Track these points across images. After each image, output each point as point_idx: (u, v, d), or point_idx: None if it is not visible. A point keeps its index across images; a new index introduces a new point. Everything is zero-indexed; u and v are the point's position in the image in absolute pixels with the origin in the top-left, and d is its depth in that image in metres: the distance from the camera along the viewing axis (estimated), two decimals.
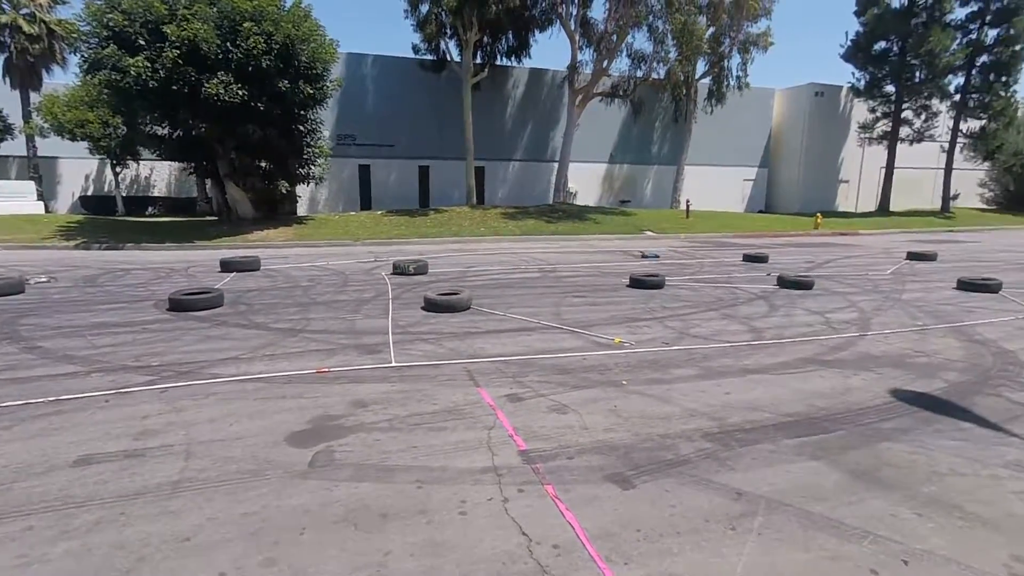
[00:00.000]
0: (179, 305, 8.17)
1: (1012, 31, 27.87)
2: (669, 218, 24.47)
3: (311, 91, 17.33)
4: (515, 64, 26.87)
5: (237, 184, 19.23)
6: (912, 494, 3.31)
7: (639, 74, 25.58)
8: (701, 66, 26.93)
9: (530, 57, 26.42)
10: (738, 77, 27.28)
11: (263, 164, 19.40)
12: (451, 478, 3.48)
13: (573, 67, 24.66)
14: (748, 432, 4.14)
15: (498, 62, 26.20)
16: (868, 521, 3.03)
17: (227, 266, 12.12)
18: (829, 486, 3.40)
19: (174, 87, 15.37)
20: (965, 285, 10.14)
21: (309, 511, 3.14)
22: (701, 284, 10.73)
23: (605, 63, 24.71)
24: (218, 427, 4.23)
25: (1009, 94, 28.95)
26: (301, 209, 24.51)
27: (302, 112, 18.52)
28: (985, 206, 35.55)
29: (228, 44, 15.54)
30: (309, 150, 19.55)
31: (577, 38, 24.41)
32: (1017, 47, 28.08)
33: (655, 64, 25.31)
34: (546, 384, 5.15)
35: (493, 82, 26.54)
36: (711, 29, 25.31)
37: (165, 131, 18.52)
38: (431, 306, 8.13)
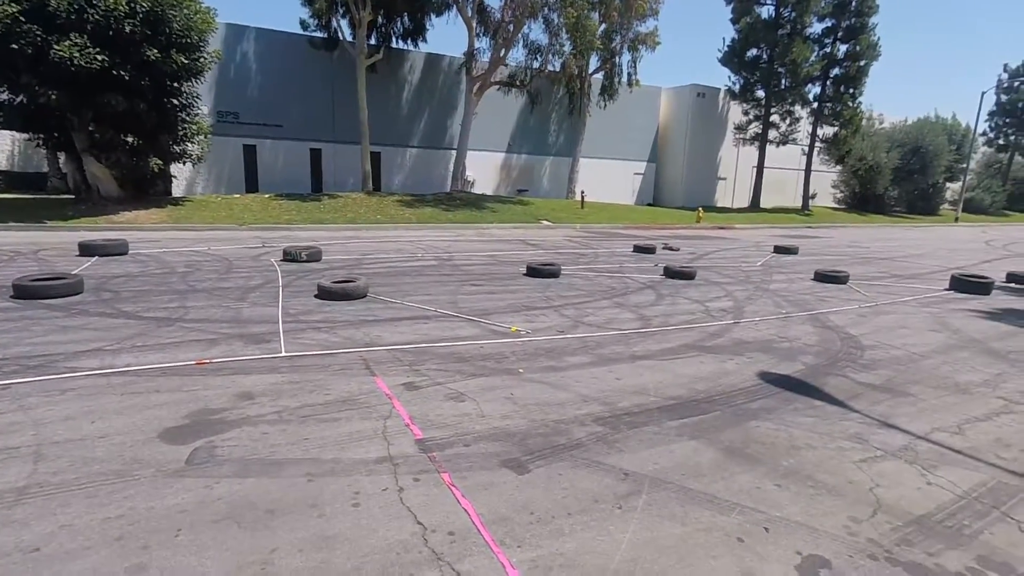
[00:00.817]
0: (26, 292, 7.12)
1: (858, 47, 31.73)
2: (565, 208, 25.24)
3: (185, 61, 15.73)
4: (411, 48, 26.17)
5: (99, 160, 17.03)
6: (774, 467, 3.68)
7: (535, 65, 25.96)
8: (594, 61, 27.89)
9: (426, 41, 25.88)
10: (629, 74, 28.59)
11: (130, 139, 17.33)
12: (344, 469, 3.35)
13: (470, 54, 24.50)
14: (636, 415, 4.38)
15: (394, 45, 25.38)
16: (737, 494, 3.33)
17: (88, 250, 10.74)
18: (705, 463, 3.69)
19: (13, 46, 13.24)
20: (820, 276, 11.46)
21: (185, 511, 2.89)
22: (595, 273, 11.19)
23: (502, 52, 24.81)
24: (76, 426, 3.75)
25: (856, 104, 32.95)
26: (178, 190, 22.27)
27: (175, 84, 16.76)
28: (837, 205, 40.36)
29: (83, 3, 13.64)
30: (185, 126, 17.76)
31: (474, 25, 24.25)
32: (862, 62, 32.01)
33: (551, 56, 25.83)
34: (443, 372, 5.11)
35: (389, 65, 25.69)
36: (603, 25, 26.24)
37: (4, 96, 15.93)
38: (325, 294, 7.76)
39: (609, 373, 5.32)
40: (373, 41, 24.11)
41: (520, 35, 24.96)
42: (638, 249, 14.99)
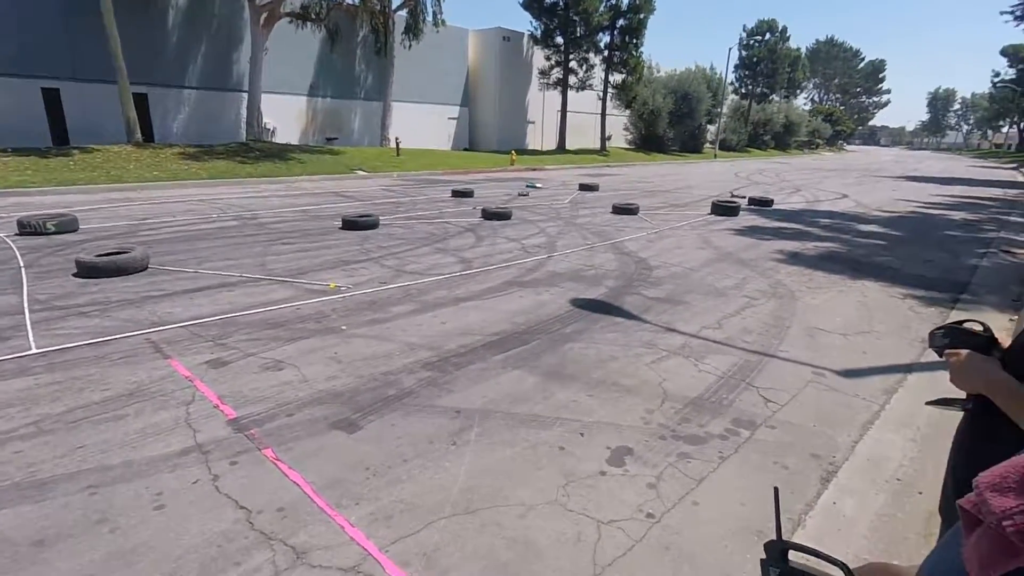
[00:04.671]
0: None
1: (638, 1, 34.75)
2: (380, 156, 24.20)
3: None
4: None
5: None
6: (587, 381, 4.11)
7: None
8: None
9: None
10: (433, 12, 27.69)
11: None
12: (139, 472, 2.92)
13: None
14: (463, 355, 4.51)
15: None
16: (557, 410, 3.66)
17: None
18: (529, 389, 3.97)
19: None
20: (617, 209, 12.77)
21: None
22: (414, 221, 11.03)
23: None
24: None
25: (638, 54, 36.40)
26: None
27: None
28: (628, 146, 44.88)
29: None
30: None
31: None
32: (642, 15, 35.24)
33: None
34: (256, 342, 4.67)
35: None
36: None
37: None
38: (88, 270, 6.46)
39: (434, 318, 5.36)
40: None
41: None
42: (456, 194, 15.08)
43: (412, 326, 5.15)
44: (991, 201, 18.01)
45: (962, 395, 1.31)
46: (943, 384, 3.92)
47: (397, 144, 25.68)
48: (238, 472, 2.93)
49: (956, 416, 1.36)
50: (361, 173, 20.73)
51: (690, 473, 3.01)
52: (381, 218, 10.44)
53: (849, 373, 4.32)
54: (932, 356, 4.60)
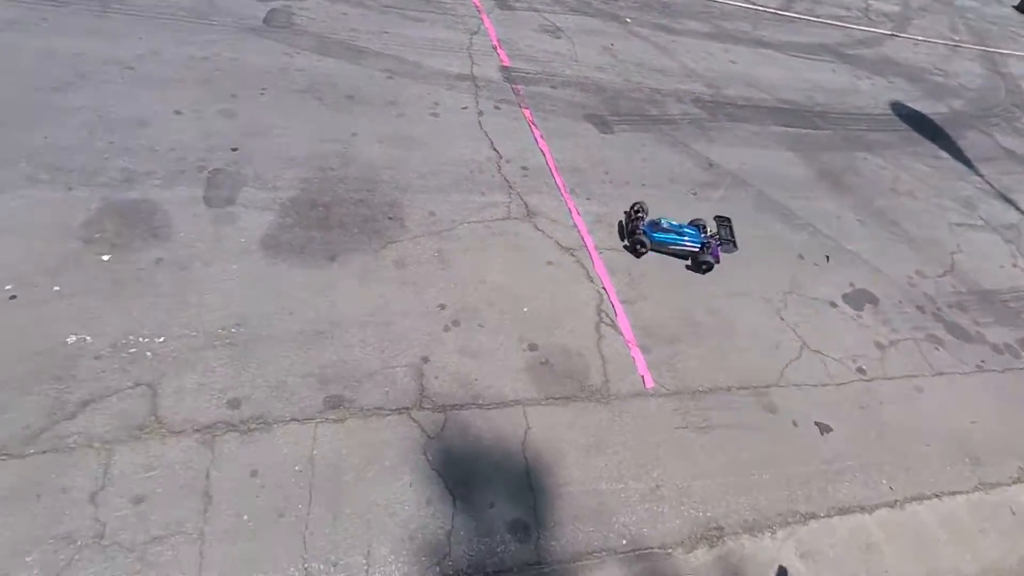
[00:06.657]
0: None
1: None
2: None
3: None
4: None
5: None
6: (864, 202, 3.43)
7: None
8: None
9: None
10: None
11: None
12: (425, 77, 3.17)
13: None
14: (740, 108, 3.92)
15: None
16: (812, 215, 3.16)
17: None
18: (794, 176, 3.44)
19: None
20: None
21: (268, 72, 2.86)
22: None
23: None
24: None
25: None
26: None
27: None
28: None
29: None
30: None
31: None
32: None
33: None
34: None
35: None
36: None
37: None
38: None
39: (725, 52, 4.57)
40: None
41: None
42: None
43: (698, 50, 4.46)
44: None
45: None
46: None
47: None
48: (499, 117, 3.07)
49: None
50: None
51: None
52: None
53: None
54: None
